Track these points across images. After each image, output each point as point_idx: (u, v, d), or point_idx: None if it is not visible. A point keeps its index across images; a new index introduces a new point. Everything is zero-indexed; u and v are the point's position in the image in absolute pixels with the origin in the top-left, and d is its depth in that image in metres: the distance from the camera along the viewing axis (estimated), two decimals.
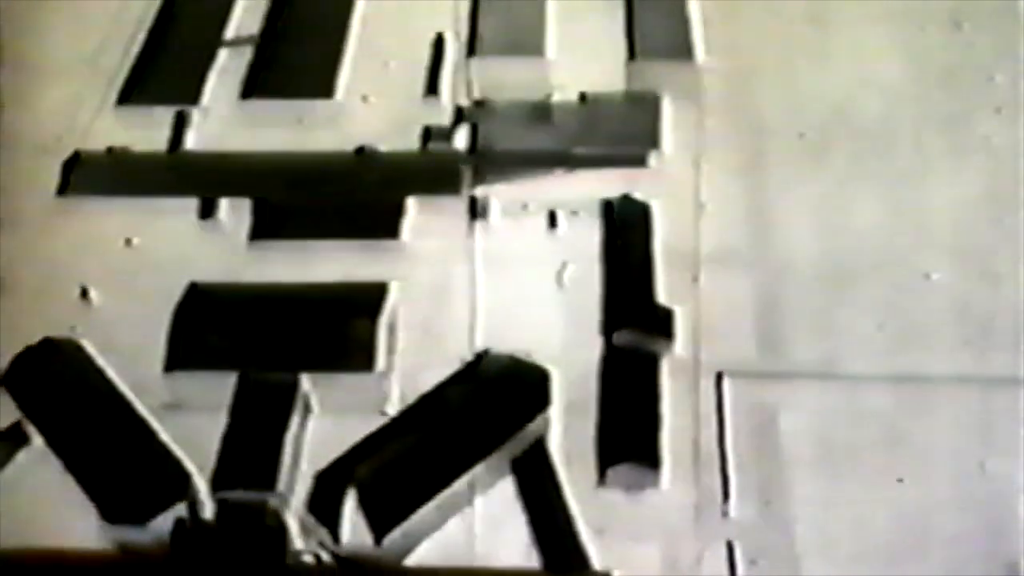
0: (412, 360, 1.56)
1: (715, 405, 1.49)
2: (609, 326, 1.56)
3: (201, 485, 1.43)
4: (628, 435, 1.45)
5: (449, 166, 1.79)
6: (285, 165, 1.81)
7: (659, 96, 1.79)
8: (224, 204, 1.78)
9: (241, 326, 1.57)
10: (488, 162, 1.78)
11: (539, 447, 1.45)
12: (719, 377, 1.51)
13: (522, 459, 1.44)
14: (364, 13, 1.97)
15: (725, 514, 1.40)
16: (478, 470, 1.41)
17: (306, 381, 1.50)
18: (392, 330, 1.58)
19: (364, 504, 1.36)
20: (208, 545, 1.35)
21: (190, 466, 1.44)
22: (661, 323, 1.56)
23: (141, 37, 1.98)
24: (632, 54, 1.87)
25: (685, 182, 1.72)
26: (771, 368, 1.51)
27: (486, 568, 1.35)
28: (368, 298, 1.59)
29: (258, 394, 1.49)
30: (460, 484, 1.39)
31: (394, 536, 1.35)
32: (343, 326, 1.56)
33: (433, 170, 1.79)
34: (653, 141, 1.76)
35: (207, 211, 1.78)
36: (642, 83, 1.82)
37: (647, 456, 1.43)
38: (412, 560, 1.36)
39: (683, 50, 1.86)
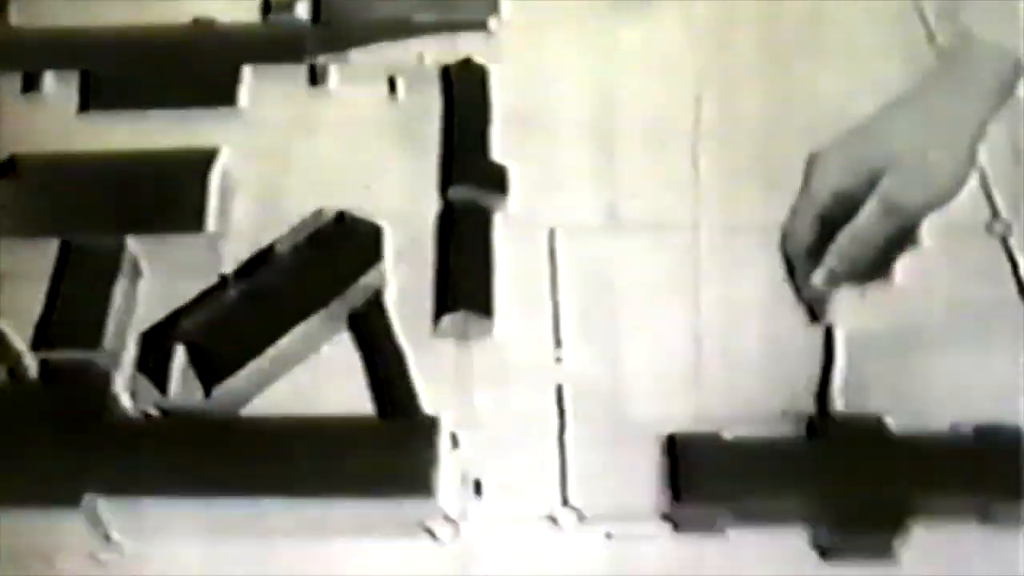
0: (251, 224, 1.55)
1: (548, 258, 1.51)
2: (445, 184, 1.57)
3: (21, 346, 1.40)
4: (461, 286, 1.47)
5: (289, 35, 1.75)
6: (117, 38, 1.75)
7: None
8: (50, 77, 1.73)
9: (64, 194, 1.53)
10: (329, 31, 1.75)
11: (375, 300, 1.46)
12: (552, 232, 1.53)
13: (359, 312, 1.44)
14: None
15: (558, 359, 1.43)
16: (314, 324, 1.41)
17: (133, 244, 1.48)
18: (226, 193, 1.56)
19: (192, 359, 1.35)
20: (29, 405, 1.33)
21: (8, 328, 1.41)
22: (496, 179, 1.57)
23: None
24: None
25: (524, 47, 1.72)
26: (604, 222, 1.54)
27: (320, 415, 1.35)
28: (199, 162, 1.55)
29: (83, 259, 1.46)
30: (294, 337, 1.39)
31: (224, 389, 1.34)
32: (172, 189, 1.52)
33: (272, 40, 1.76)
34: (492, 6, 1.75)
35: (30, 84, 1.73)
36: None
37: (479, 305, 1.44)
38: (246, 412, 1.36)
39: None
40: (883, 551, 1.28)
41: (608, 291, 1.48)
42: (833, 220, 1.26)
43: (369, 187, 1.56)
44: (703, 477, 1.30)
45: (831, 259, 1.25)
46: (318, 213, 1.51)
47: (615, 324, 1.46)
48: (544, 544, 1.31)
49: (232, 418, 1.35)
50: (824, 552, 1.28)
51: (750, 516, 1.30)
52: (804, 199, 1.27)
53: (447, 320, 1.44)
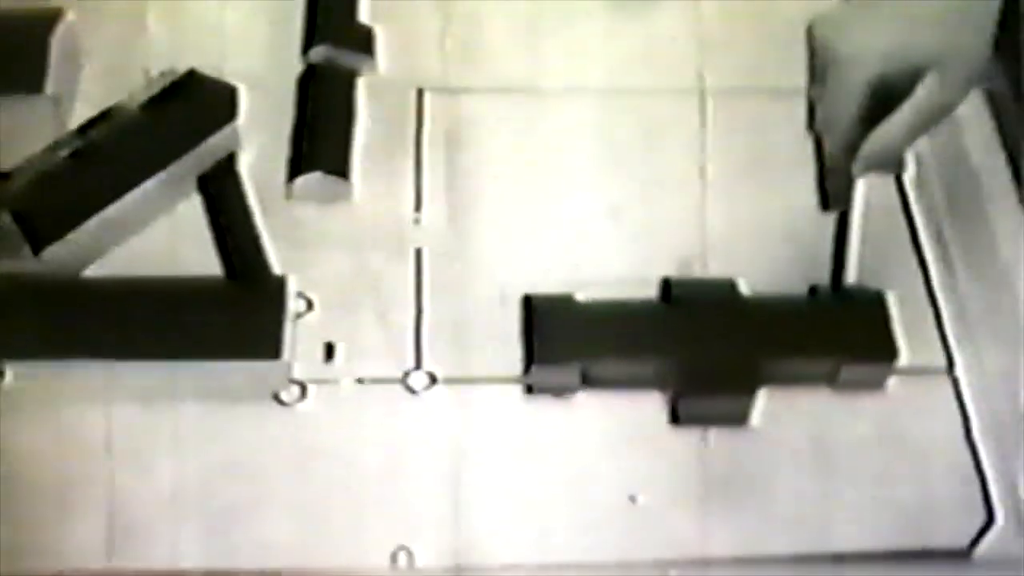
0: (102, 88, 1.47)
1: (414, 120, 1.47)
2: (308, 45, 1.51)
3: None
4: (318, 147, 1.41)
5: None
6: None
7: None
8: None
9: None
10: None
11: (227, 162, 1.40)
12: (419, 93, 1.48)
13: (209, 174, 1.38)
14: None
15: (416, 222, 1.39)
16: (159, 184, 1.34)
17: None
18: (73, 56, 1.48)
19: (17, 220, 1.28)
20: None
21: None
22: (362, 40, 1.51)
23: None
24: None
25: None
26: (471, 84, 1.49)
27: (164, 276, 1.31)
28: (39, 22, 1.45)
29: None
30: (137, 197, 1.33)
31: (59, 251, 1.28)
32: (10, 50, 1.43)
33: None
34: None
35: None
36: None
37: (335, 166, 1.39)
38: (89, 274, 1.31)
39: None
40: (735, 416, 1.28)
41: (472, 154, 1.44)
42: (872, 109, 1.21)
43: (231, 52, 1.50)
44: (557, 339, 1.27)
45: (869, 149, 1.20)
46: (168, 72, 1.44)
47: (478, 187, 1.42)
48: (396, 408, 1.28)
49: (71, 281, 1.29)
50: (676, 417, 1.28)
51: (603, 380, 1.28)
52: (836, 83, 1.19)
53: (302, 181, 1.38)
